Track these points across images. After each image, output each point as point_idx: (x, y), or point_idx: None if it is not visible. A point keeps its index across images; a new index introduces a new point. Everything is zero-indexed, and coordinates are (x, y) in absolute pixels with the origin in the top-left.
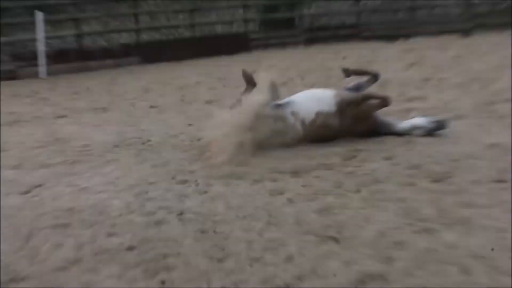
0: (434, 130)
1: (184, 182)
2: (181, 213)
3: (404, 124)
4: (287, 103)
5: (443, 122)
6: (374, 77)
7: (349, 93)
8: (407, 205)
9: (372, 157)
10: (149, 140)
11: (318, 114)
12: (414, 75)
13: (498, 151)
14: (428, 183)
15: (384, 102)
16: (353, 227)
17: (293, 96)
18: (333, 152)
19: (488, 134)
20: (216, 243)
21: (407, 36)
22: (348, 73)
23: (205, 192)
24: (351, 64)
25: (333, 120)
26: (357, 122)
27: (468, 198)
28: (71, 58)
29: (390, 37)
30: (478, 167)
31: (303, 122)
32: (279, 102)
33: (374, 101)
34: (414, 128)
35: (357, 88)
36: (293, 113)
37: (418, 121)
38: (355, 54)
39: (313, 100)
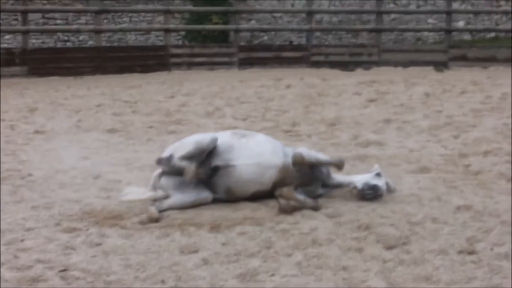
0: (359, 197)
1: (71, 230)
2: (64, 270)
3: (348, 181)
4: (225, 170)
5: (370, 190)
6: (337, 167)
7: (294, 174)
8: (351, 275)
9: (312, 213)
10: (30, 175)
11: (254, 193)
12: (373, 114)
13: (469, 215)
14: (379, 249)
15: (336, 166)
16: None
17: (237, 150)
18: (264, 204)
19: (458, 193)
20: None
21: (368, 65)
22: (302, 163)
23: (98, 244)
24: (295, 96)
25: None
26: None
27: (427, 272)
28: None
29: (347, 65)
30: (443, 233)
31: (237, 199)
32: (217, 159)
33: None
34: (350, 185)
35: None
36: (228, 190)
37: (358, 179)
38: (302, 83)
39: (254, 173)
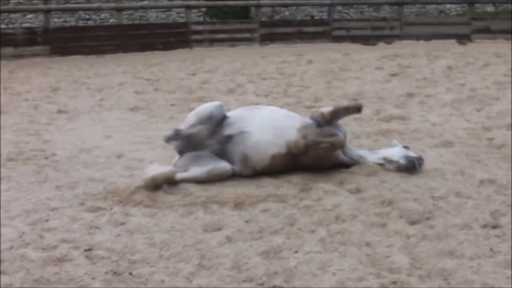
0: (405, 169)
1: (96, 209)
2: (89, 249)
3: (374, 155)
4: (240, 137)
5: (418, 160)
6: (356, 109)
7: (315, 131)
8: (375, 251)
9: (335, 189)
10: (54, 154)
11: (274, 157)
12: (396, 88)
13: (493, 189)
14: (402, 224)
15: (355, 110)
16: (306, 275)
17: (249, 119)
18: (287, 181)
19: (481, 167)
20: None
21: (390, 39)
22: (325, 118)
23: (122, 223)
24: (316, 71)
25: (290, 160)
26: (316, 162)
27: (451, 246)
28: None
29: (369, 39)
30: (467, 208)
31: (254, 167)
32: (230, 129)
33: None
34: (384, 161)
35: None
36: (244, 158)
37: (390, 153)
38: (323, 58)
39: (271, 135)
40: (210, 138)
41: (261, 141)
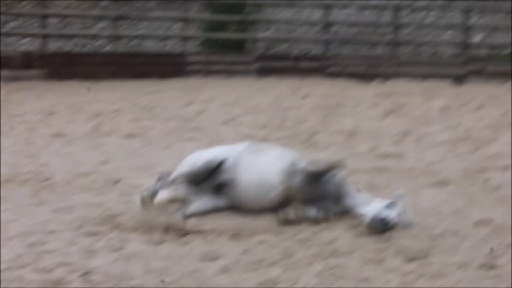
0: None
1: (93, 234)
2: (86, 273)
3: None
4: (228, 188)
5: (390, 223)
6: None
7: (300, 192)
8: (372, 286)
9: (333, 223)
10: (49, 178)
11: (260, 209)
12: (391, 126)
13: (489, 230)
14: (399, 261)
15: None
16: None
17: (240, 171)
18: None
19: (477, 207)
20: None
21: (385, 77)
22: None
23: (120, 249)
24: (312, 106)
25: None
26: None
27: (447, 284)
28: None
29: (364, 76)
30: (463, 247)
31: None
32: (221, 178)
33: None
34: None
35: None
36: (235, 204)
37: (368, 208)
38: (319, 93)
39: (256, 193)
40: (204, 183)
41: (246, 197)
